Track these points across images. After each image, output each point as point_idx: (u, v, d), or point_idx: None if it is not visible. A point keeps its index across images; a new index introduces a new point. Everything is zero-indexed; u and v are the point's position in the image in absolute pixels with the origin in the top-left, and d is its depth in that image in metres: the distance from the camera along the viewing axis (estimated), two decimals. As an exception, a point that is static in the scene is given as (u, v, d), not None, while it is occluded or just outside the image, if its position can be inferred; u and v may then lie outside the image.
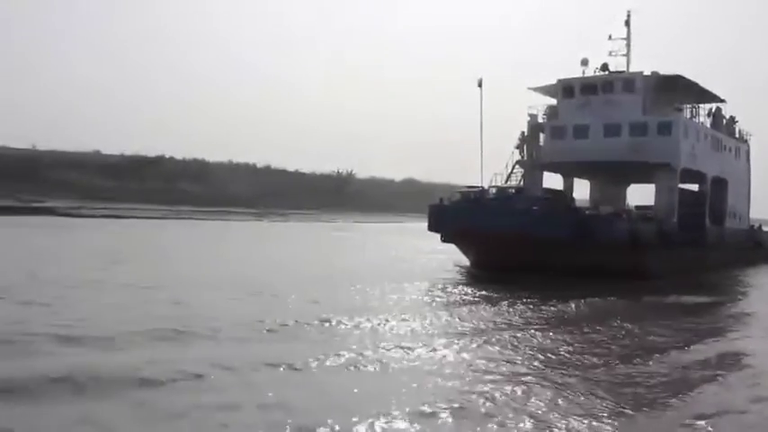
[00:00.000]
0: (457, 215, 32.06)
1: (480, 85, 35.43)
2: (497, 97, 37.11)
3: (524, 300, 21.59)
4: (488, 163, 35.53)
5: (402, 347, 14.37)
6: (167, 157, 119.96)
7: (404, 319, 17.68)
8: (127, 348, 13.57)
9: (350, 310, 18.22)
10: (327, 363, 12.92)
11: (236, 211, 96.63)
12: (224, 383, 11.39)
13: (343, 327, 16.42)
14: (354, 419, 9.67)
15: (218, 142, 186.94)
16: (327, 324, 16.53)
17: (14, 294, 19.08)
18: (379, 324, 16.85)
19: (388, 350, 14.10)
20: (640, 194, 43.24)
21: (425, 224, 34.36)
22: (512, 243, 28.04)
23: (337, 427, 9.39)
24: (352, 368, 12.75)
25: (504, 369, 13.18)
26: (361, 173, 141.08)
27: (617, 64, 37.12)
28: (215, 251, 39.53)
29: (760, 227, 48.00)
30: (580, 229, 28.86)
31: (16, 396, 10.35)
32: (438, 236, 34.24)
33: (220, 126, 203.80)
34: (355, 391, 11.39)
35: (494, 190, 33.87)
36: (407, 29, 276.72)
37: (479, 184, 34.21)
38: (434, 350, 14.40)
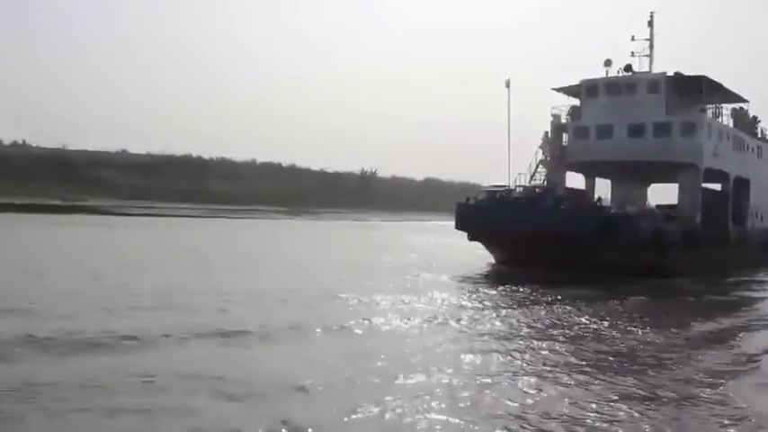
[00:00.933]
0: (485, 214, 31.64)
1: (508, 86, 35.34)
2: (517, 97, 36.57)
3: (551, 286, 22.92)
4: (505, 161, 35.21)
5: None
6: (194, 156, 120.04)
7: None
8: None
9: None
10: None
11: (269, 209, 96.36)
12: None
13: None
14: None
15: (220, 138, 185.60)
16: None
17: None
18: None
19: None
20: (660, 194, 42.88)
21: (447, 222, 34.05)
22: (540, 241, 27.66)
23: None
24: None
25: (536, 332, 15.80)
26: (380, 171, 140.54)
27: (640, 64, 36.41)
28: (292, 249, 40.32)
29: (782, 227, 46.67)
30: (607, 228, 28.46)
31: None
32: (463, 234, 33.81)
33: (225, 123, 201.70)
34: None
35: (520, 189, 33.27)
36: (419, 27, 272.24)
37: (504, 184, 33.71)
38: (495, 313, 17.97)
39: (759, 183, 42.06)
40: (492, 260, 33.02)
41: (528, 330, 15.98)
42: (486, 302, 20.05)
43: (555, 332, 15.85)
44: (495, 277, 27.67)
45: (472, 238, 33.18)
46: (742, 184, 39.69)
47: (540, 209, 30.22)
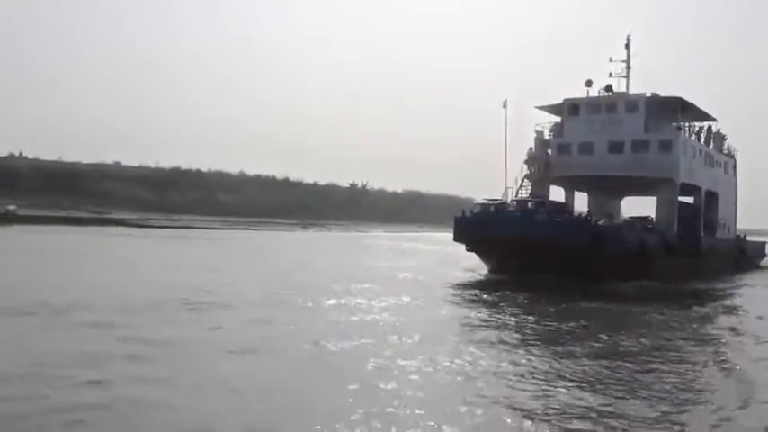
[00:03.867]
0: (482, 226, 30.01)
1: (505, 107, 33.89)
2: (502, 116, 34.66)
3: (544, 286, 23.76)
4: (484, 175, 33.88)
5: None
6: (194, 169, 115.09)
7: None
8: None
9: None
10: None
11: (282, 222, 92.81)
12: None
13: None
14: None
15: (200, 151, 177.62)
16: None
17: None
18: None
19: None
20: (631, 206, 41.92)
21: (437, 234, 32.39)
22: (535, 251, 26.33)
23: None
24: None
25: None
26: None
27: (618, 84, 35.03)
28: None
29: (745, 237, 45.56)
30: (596, 239, 27.27)
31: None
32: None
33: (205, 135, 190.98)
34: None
35: (514, 203, 31.68)
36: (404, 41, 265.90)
37: (497, 197, 32.23)
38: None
39: (725, 196, 41.25)
40: (485, 269, 31.35)
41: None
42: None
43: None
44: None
45: (470, 248, 31.49)
46: (711, 198, 38.56)
47: (534, 221, 28.74)
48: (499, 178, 34.33)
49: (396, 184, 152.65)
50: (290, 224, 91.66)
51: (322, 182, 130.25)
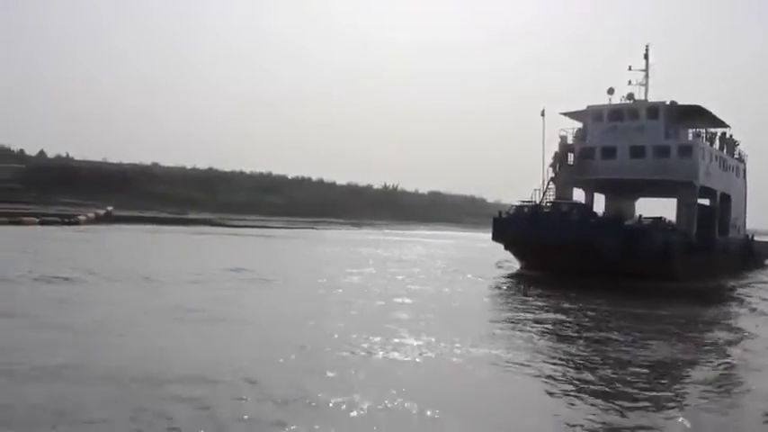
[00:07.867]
0: (521, 227, 28.71)
1: (543, 115, 32.20)
2: (529, 119, 33.00)
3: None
4: (493, 176, 31.99)
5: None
6: (237, 171, 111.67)
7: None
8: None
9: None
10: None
11: (334, 221, 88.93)
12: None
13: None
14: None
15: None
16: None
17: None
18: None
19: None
20: (642, 207, 39.71)
21: (467, 233, 30.79)
22: (570, 251, 25.13)
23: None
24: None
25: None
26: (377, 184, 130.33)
27: (639, 91, 33.22)
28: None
29: (753, 237, 43.07)
30: (628, 239, 25.82)
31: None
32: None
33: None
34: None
35: (549, 204, 30.16)
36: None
37: (529, 200, 30.76)
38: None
39: (737, 198, 39.22)
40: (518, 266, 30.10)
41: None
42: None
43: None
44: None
45: (507, 247, 30.21)
46: (725, 200, 36.48)
47: (570, 222, 27.38)
48: (512, 179, 32.75)
49: (413, 185, 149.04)
50: (342, 223, 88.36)
51: (354, 183, 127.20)
